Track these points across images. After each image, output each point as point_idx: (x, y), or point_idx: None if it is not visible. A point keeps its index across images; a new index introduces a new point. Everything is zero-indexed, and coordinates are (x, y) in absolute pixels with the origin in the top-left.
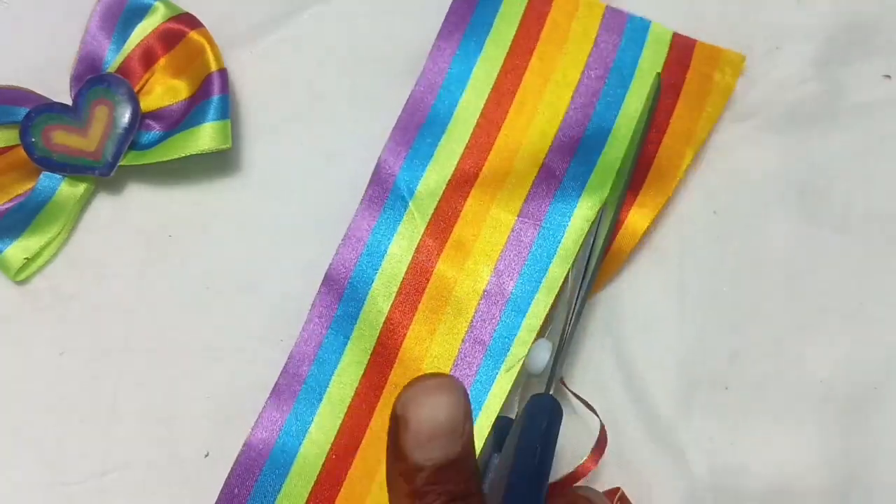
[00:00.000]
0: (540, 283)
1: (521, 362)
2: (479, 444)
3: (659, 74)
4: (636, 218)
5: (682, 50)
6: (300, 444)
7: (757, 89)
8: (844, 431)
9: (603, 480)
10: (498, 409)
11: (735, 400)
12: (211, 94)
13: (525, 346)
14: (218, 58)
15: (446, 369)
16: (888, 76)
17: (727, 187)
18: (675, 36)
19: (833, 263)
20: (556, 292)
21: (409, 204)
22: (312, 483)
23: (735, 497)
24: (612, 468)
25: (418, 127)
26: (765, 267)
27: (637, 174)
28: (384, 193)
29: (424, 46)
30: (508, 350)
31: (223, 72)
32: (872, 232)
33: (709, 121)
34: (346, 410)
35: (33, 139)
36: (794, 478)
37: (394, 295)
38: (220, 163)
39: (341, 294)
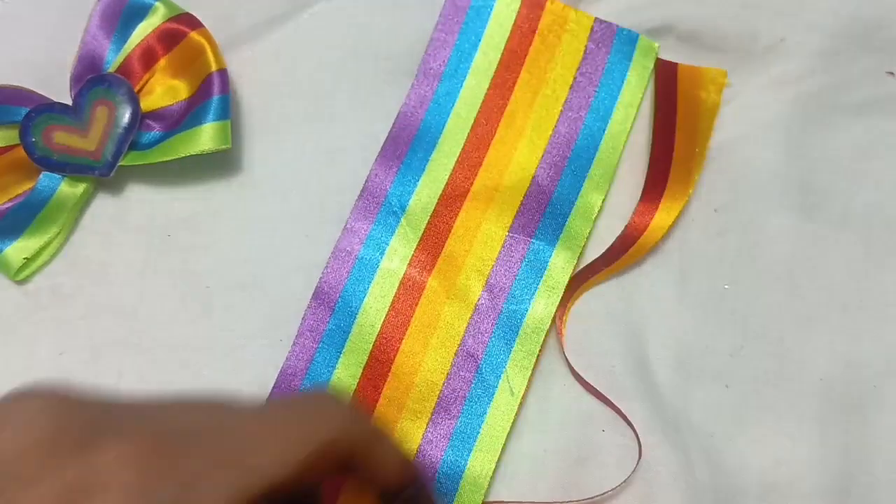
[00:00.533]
0: (532, 298)
1: (526, 381)
2: (491, 456)
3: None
4: (650, 235)
5: (666, 75)
6: None
7: (758, 86)
8: (844, 429)
9: (604, 478)
10: (503, 429)
11: (735, 397)
12: (211, 94)
13: (519, 365)
14: (218, 58)
15: (439, 383)
16: (891, 73)
17: (728, 185)
18: (658, 61)
19: (833, 261)
20: (548, 309)
21: (402, 219)
22: None
23: (735, 494)
24: (611, 467)
25: (409, 141)
26: (765, 264)
27: (653, 190)
28: (375, 207)
29: (425, 45)
30: (504, 366)
31: (223, 72)
32: (873, 229)
33: (704, 139)
34: None
35: (33, 139)
36: (794, 475)
37: (386, 309)
38: (220, 163)
39: (333, 308)
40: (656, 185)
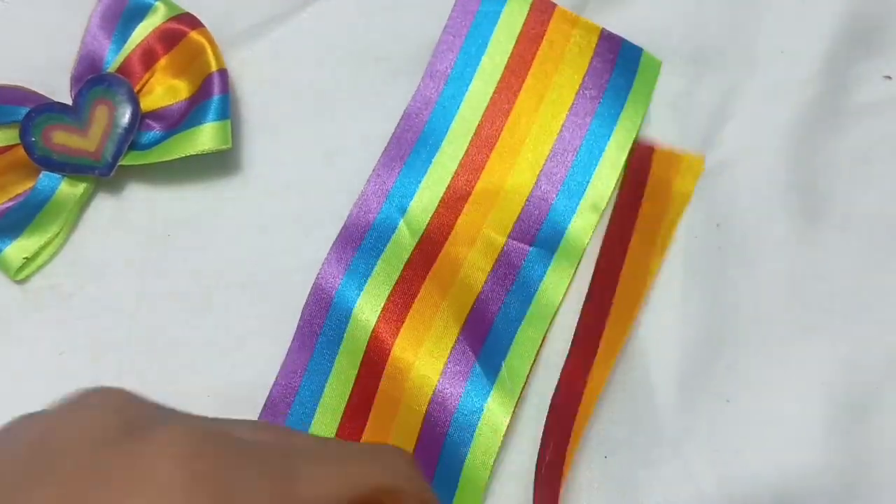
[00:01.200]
0: (531, 302)
1: (519, 387)
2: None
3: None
4: (610, 335)
5: (641, 157)
6: None
7: (759, 96)
8: (848, 433)
9: (605, 499)
10: (500, 428)
11: (737, 410)
12: (211, 94)
13: (517, 367)
14: (218, 58)
15: (432, 384)
16: (889, 77)
17: (729, 198)
18: (636, 145)
19: (835, 264)
20: (547, 317)
21: (401, 220)
22: None
23: None
24: (617, 486)
25: (413, 142)
26: (767, 272)
27: (606, 289)
28: (376, 207)
29: (425, 45)
30: (499, 368)
31: (223, 72)
32: (874, 232)
33: (670, 229)
34: (339, 420)
35: (33, 139)
36: (801, 482)
37: (380, 310)
38: (220, 163)
39: (329, 305)
40: (601, 307)
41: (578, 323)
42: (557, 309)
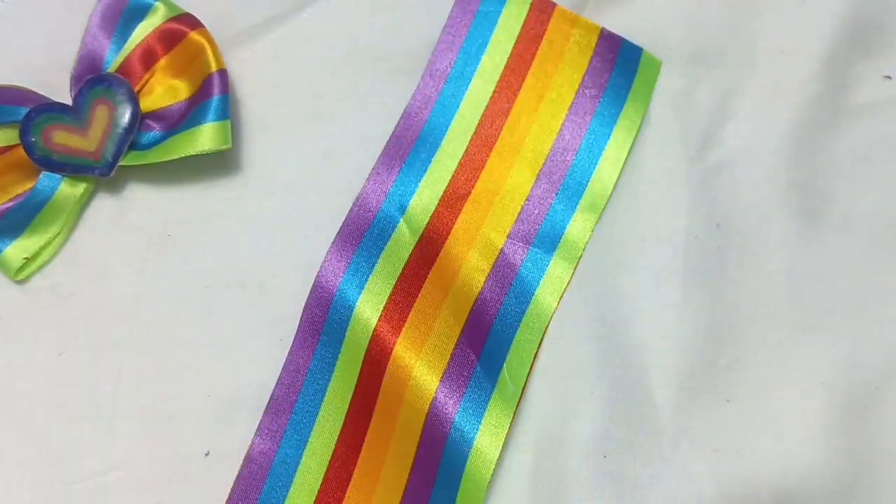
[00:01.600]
0: (528, 304)
1: (520, 388)
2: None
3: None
4: None
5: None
6: (301, 453)
7: (759, 97)
8: (848, 432)
9: (605, 499)
10: (502, 428)
11: (737, 410)
12: (211, 94)
13: (517, 369)
14: (218, 58)
15: (435, 382)
16: (888, 77)
17: (729, 198)
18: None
19: (834, 264)
20: (546, 317)
21: (401, 219)
22: (316, 492)
23: None
24: (616, 486)
25: (413, 141)
26: (767, 272)
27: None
28: (376, 205)
29: (424, 46)
30: (500, 370)
31: (223, 72)
32: (874, 232)
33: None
34: (344, 418)
35: (33, 139)
36: (801, 482)
37: (381, 308)
38: (220, 163)
39: (330, 304)
40: None
41: None
42: (555, 310)
